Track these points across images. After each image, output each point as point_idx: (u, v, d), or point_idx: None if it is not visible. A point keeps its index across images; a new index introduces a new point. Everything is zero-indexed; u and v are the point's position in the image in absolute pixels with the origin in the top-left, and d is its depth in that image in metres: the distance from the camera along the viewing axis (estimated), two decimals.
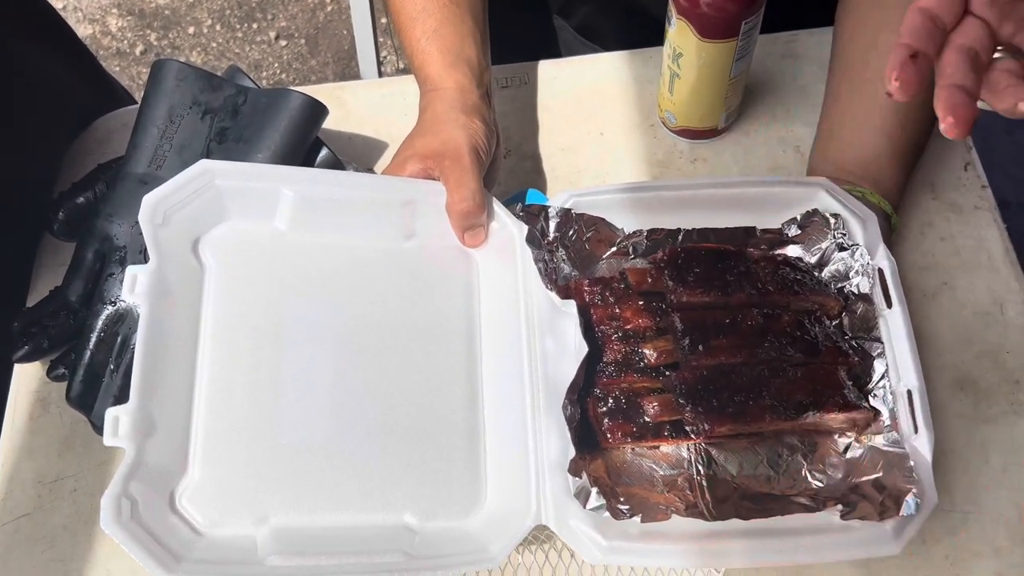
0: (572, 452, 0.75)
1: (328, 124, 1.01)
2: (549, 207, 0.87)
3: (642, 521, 0.76)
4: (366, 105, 1.11)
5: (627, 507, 0.78)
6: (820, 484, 0.83)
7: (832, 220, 0.88)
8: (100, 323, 0.85)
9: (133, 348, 0.79)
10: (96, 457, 0.88)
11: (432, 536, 0.76)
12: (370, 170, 1.03)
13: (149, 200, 0.78)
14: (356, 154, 1.05)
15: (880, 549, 0.76)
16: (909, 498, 0.75)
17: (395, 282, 0.86)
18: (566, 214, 0.87)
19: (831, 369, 0.83)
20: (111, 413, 0.71)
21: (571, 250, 0.89)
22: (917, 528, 0.76)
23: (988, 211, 1.00)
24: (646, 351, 0.83)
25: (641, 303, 0.85)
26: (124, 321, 0.85)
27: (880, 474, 0.80)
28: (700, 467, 0.83)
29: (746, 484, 0.83)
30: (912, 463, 0.78)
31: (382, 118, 1.08)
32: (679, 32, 0.92)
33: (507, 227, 0.88)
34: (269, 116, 0.92)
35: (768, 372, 0.81)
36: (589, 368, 0.83)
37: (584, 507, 0.75)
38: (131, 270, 0.76)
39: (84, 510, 0.86)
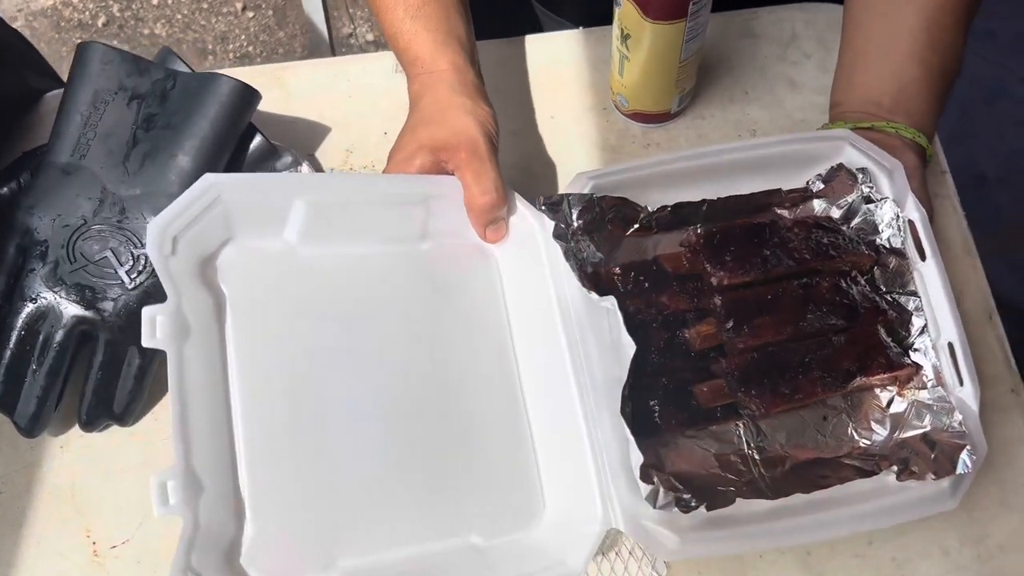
0: (638, 456, 0.75)
1: (268, 107, 0.95)
2: (570, 195, 0.84)
3: (708, 510, 0.77)
4: (309, 86, 1.01)
5: (689, 495, 0.79)
6: (868, 442, 0.84)
7: (859, 175, 0.86)
8: (21, 321, 0.81)
9: (56, 347, 0.81)
10: (23, 459, 0.85)
11: (501, 552, 0.76)
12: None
13: (156, 226, 0.71)
14: (297, 139, 0.98)
15: (939, 506, 0.78)
16: (964, 455, 0.77)
17: (417, 288, 0.83)
18: (588, 200, 0.84)
19: (871, 330, 0.83)
20: (156, 481, 0.67)
21: (595, 235, 0.86)
22: (971, 480, 0.78)
23: (948, 198, 0.99)
24: (689, 336, 0.82)
25: (675, 285, 0.84)
26: (46, 319, 0.82)
27: (927, 428, 0.82)
28: (750, 440, 0.84)
29: (796, 452, 0.84)
30: (960, 416, 0.79)
31: (326, 100, 1.01)
32: (626, 13, 0.87)
33: (526, 218, 0.84)
34: (198, 102, 0.86)
35: (814, 344, 0.81)
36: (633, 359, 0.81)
37: (654, 506, 0.75)
38: (148, 312, 0.70)
39: (11, 513, 0.83)
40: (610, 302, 0.79)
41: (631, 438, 0.75)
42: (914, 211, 0.84)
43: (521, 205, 0.84)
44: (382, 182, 0.83)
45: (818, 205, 0.89)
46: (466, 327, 0.83)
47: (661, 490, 0.76)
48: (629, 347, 0.77)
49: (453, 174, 0.83)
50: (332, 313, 0.80)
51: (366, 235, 0.82)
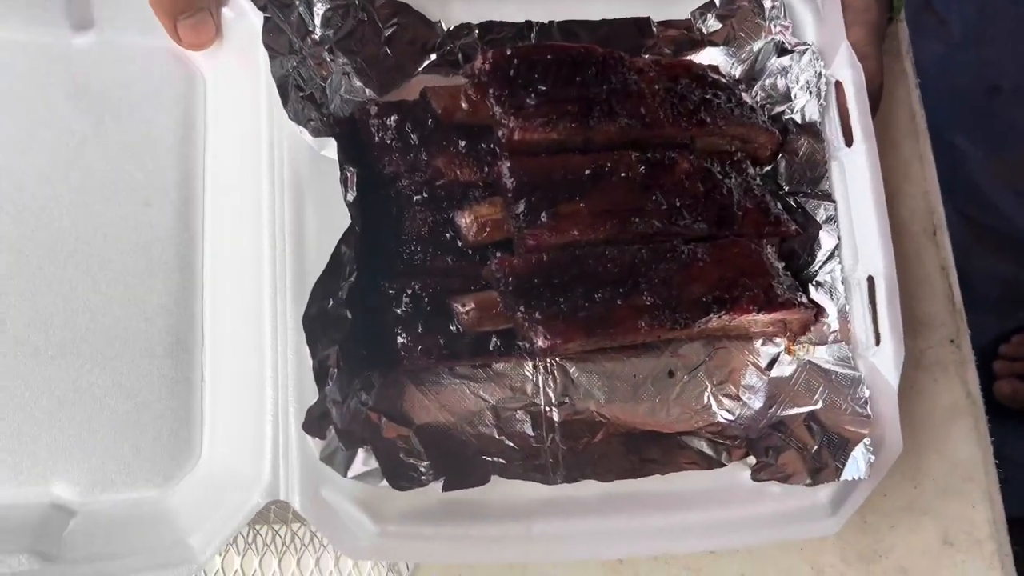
0: (310, 394, 0.47)
1: None
2: None
3: (444, 489, 0.50)
4: None
5: (427, 465, 0.51)
6: (728, 416, 0.56)
7: (768, 5, 0.56)
8: None
9: None
10: None
11: (100, 518, 0.49)
12: None
13: None
14: None
15: (809, 528, 0.50)
16: (859, 450, 0.49)
17: (63, 109, 0.54)
18: None
19: (751, 246, 0.54)
20: None
21: (360, 57, 0.57)
22: (867, 494, 0.50)
23: (897, 54, 0.67)
24: (462, 222, 0.53)
25: (464, 144, 0.54)
26: None
27: (817, 405, 0.53)
28: (550, 391, 0.56)
29: (618, 417, 0.56)
30: (867, 391, 0.51)
31: None
32: None
33: (249, 16, 0.55)
34: None
35: (648, 254, 0.52)
36: (371, 248, 0.53)
37: (345, 473, 0.48)
38: None
39: None
40: (330, 149, 0.51)
41: (311, 361, 0.46)
42: (846, 68, 0.54)
43: None
44: None
45: (710, 55, 0.59)
46: (136, 182, 0.55)
47: (362, 452, 0.48)
48: (348, 219, 0.49)
49: None
50: None
51: None
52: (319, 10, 0.55)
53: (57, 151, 0.53)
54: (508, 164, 0.51)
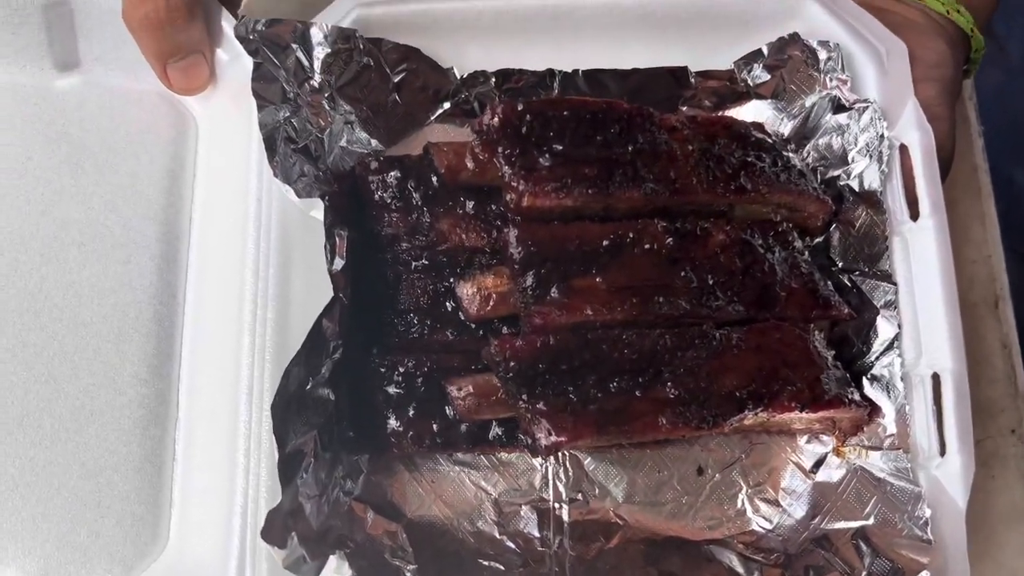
0: (272, 493, 0.42)
1: None
2: (311, 25, 0.50)
3: None
4: None
5: (414, 569, 0.46)
6: (765, 525, 0.49)
7: (823, 56, 0.50)
8: None
9: None
10: None
11: None
12: None
13: None
14: None
15: None
16: None
17: (39, 156, 0.51)
18: (345, 39, 0.50)
19: (795, 332, 0.47)
20: None
21: (365, 105, 0.52)
22: None
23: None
24: (464, 293, 0.47)
25: (471, 206, 0.49)
26: None
27: (868, 521, 0.46)
28: (560, 486, 0.50)
29: (638, 520, 0.49)
30: (928, 510, 0.44)
31: None
32: None
33: (249, 64, 0.51)
34: None
35: (674, 339, 0.45)
36: (362, 319, 0.48)
37: None
38: None
39: None
40: (318, 210, 0.46)
41: (276, 455, 0.41)
42: (913, 130, 0.47)
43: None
44: None
45: (756, 110, 0.53)
46: (114, 236, 0.51)
47: (334, 558, 0.43)
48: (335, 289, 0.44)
49: None
50: None
51: None
52: (319, 54, 0.50)
53: (31, 201, 0.49)
54: (516, 232, 0.45)
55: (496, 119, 0.46)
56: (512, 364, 0.44)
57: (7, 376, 0.47)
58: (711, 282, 0.46)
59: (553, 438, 0.43)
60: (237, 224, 0.50)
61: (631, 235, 0.46)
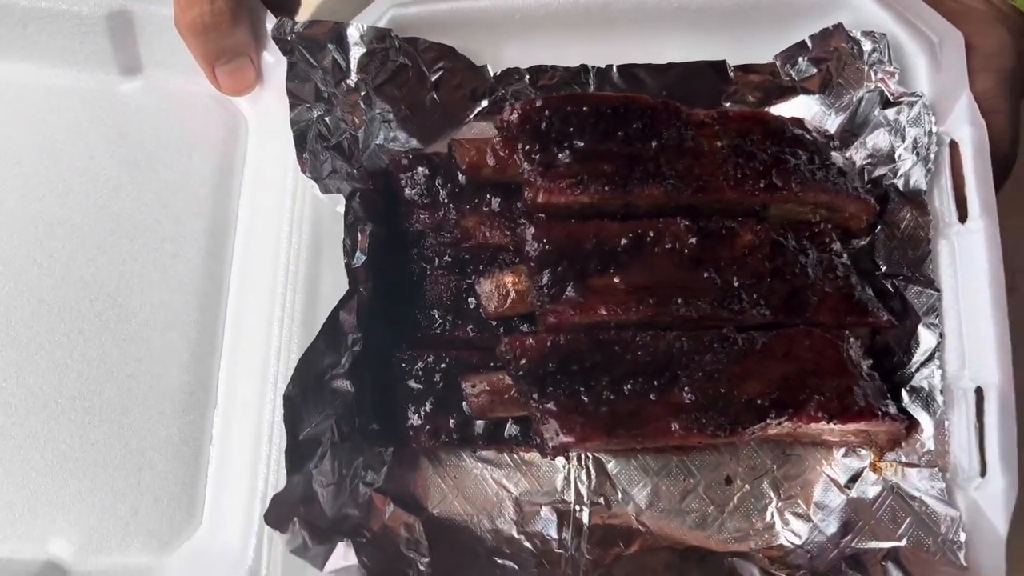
0: (269, 476, 0.43)
1: None
2: (348, 25, 0.51)
3: None
4: None
5: (427, 562, 0.46)
6: (795, 540, 0.47)
7: (868, 47, 0.47)
8: None
9: None
10: None
11: None
12: None
13: None
14: None
15: None
16: None
17: (101, 155, 0.55)
18: (381, 39, 0.51)
19: (828, 339, 0.45)
20: None
21: (403, 103, 0.53)
22: None
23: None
24: (483, 290, 0.48)
25: (498, 203, 0.50)
26: None
27: (902, 543, 0.44)
28: (582, 488, 0.50)
29: (661, 528, 0.48)
30: (964, 535, 0.41)
31: None
32: None
33: None
34: None
35: (692, 342, 0.44)
36: (386, 313, 0.49)
37: (321, 567, 0.44)
38: None
39: None
40: (342, 206, 0.47)
41: (286, 443, 0.43)
42: (964, 125, 0.44)
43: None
44: None
45: (804, 104, 0.51)
46: (165, 231, 0.54)
47: (342, 546, 0.44)
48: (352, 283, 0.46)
49: None
50: None
51: (38, 59, 0.54)
52: (355, 54, 0.52)
53: (90, 197, 0.53)
54: (533, 229, 0.45)
55: (516, 115, 0.46)
56: (523, 362, 0.44)
57: (66, 360, 0.51)
58: (736, 284, 0.45)
59: (561, 438, 0.43)
60: (275, 218, 0.52)
61: (651, 233, 0.45)
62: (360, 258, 0.47)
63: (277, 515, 0.42)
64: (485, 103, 0.54)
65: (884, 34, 0.47)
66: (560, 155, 0.45)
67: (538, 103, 0.45)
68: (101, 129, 0.55)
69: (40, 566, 0.48)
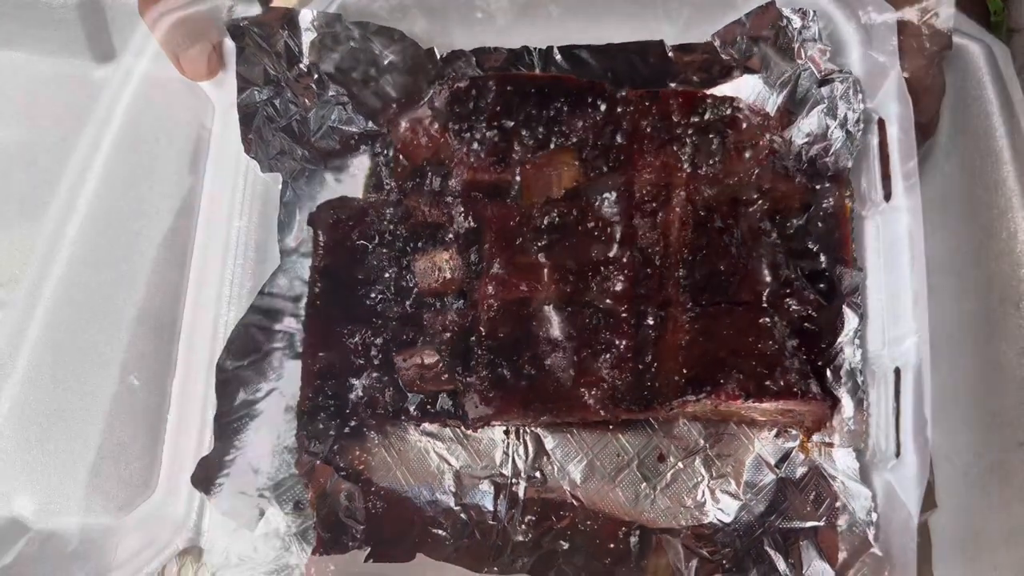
0: (209, 442, 0.45)
1: None
2: (299, 13, 0.53)
3: (375, 559, 0.47)
4: None
5: (362, 528, 0.48)
6: (724, 518, 0.47)
7: (797, 24, 0.47)
8: None
9: None
10: None
11: (51, 542, 0.51)
12: None
13: None
14: None
15: None
16: None
17: (75, 138, 0.57)
18: (331, 24, 0.53)
19: (751, 318, 0.45)
20: None
21: (355, 86, 0.55)
22: None
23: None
24: (418, 267, 0.49)
25: (434, 179, 0.51)
26: None
27: (821, 523, 0.44)
28: (519, 462, 0.51)
29: (594, 503, 0.49)
30: (876, 514, 0.41)
31: None
32: None
33: None
34: None
35: (613, 319, 0.45)
36: (331, 288, 0.51)
37: (253, 529, 0.46)
38: None
39: None
40: (279, 180, 0.49)
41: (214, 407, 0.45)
42: (893, 100, 0.44)
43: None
44: None
45: (746, 84, 0.51)
46: (130, 209, 0.56)
47: (276, 508, 0.46)
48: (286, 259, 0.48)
49: None
50: None
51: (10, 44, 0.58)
52: (307, 39, 0.53)
53: (61, 179, 0.56)
54: (462, 207, 0.46)
55: (445, 95, 0.47)
56: (447, 336, 0.45)
57: (31, 324, 0.54)
58: (658, 262, 0.45)
59: (481, 410, 0.44)
60: (230, 198, 0.54)
61: (575, 212, 0.46)
62: (291, 236, 0.49)
63: (203, 478, 0.44)
64: (437, 85, 0.56)
65: (815, 11, 0.46)
66: (488, 134, 0.46)
67: (465, 83, 0.46)
68: (75, 112, 0.58)
69: (3, 522, 0.52)
